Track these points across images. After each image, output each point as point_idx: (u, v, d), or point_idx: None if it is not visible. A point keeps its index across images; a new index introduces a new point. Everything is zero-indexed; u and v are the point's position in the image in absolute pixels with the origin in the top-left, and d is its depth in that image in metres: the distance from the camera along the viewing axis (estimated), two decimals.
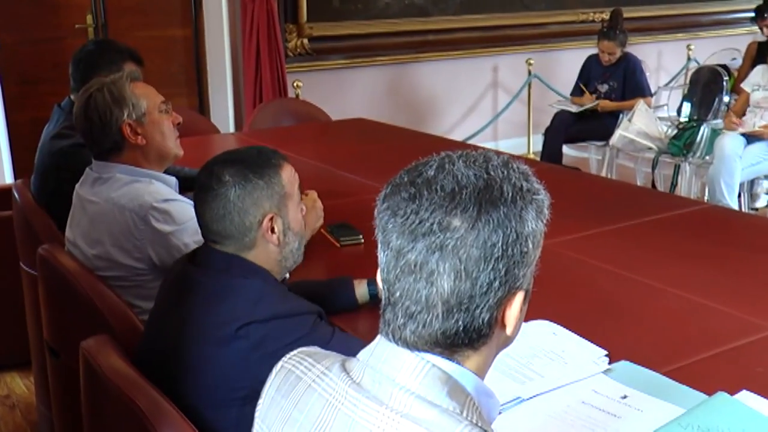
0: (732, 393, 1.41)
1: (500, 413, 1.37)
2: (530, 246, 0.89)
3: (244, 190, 1.52)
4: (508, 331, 0.93)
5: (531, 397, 1.45)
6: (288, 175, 1.60)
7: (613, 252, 2.26)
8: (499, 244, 0.86)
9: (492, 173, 0.90)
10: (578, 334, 1.66)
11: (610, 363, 1.57)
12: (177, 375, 1.50)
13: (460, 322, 0.88)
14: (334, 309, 1.84)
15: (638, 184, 4.96)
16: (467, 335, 0.89)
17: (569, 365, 1.55)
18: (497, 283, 0.87)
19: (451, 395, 0.88)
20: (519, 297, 0.91)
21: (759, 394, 1.42)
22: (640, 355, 1.60)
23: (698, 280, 2.04)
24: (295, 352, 1.06)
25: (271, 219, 1.55)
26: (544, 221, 0.92)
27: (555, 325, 1.70)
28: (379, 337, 0.95)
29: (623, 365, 1.56)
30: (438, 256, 0.86)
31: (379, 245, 0.91)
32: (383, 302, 0.93)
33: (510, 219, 0.87)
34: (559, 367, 1.55)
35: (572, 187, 3.07)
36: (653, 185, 4.85)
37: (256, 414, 1.05)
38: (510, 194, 0.88)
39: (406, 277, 0.87)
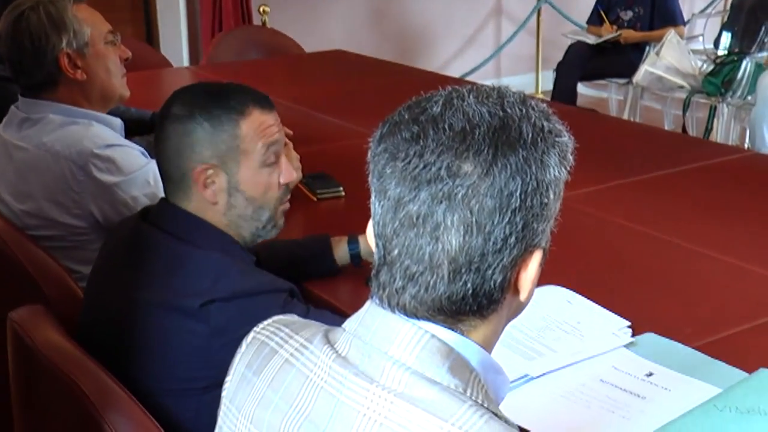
0: None
1: None
2: (551, 196, 0.89)
3: (184, 128, 1.51)
4: (522, 296, 0.93)
5: (541, 375, 1.46)
6: (252, 127, 1.54)
7: (636, 207, 2.27)
8: (517, 193, 0.86)
9: (509, 110, 0.89)
10: (596, 303, 1.68)
11: (633, 335, 1.59)
12: (126, 354, 1.50)
13: (469, 285, 0.87)
14: (310, 274, 1.85)
15: (666, 128, 4.97)
16: (476, 301, 0.89)
17: (586, 338, 1.57)
18: (513, 239, 0.87)
19: (453, 371, 0.88)
20: (537, 257, 0.90)
21: None
22: (668, 326, 1.62)
23: (737, 239, 2.06)
24: (269, 321, 1.06)
25: (208, 170, 1.51)
26: (568, 168, 0.92)
27: (570, 292, 1.71)
28: (368, 303, 0.94)
29: (649, 338, 1.58)
30: (445, 207, 0.85)
31: (374, 194, 0.91)
32: (377, 262, 0.93)
33: (530, 164, 0.86)
34: (574, 341, 1.56)
35: (588, 133, 3.05)
36: (684, 130, 4.87)
37: (223, 393, 1.05)
38: (530, 135, 0.87)
39: (407, 231, 0.87)
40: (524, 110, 0.90)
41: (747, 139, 4.62)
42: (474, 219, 0.85)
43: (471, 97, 0.90)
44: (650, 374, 1.47)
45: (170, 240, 1.51)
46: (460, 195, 0.85)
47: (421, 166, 0.86)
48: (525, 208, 0.87)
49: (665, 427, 1.29)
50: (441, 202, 0.85)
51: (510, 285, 0.91)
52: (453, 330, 0.91)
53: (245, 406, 0.99)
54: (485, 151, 0.85)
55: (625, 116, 5.12)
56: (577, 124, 3.19)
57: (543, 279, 1.69)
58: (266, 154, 1.55)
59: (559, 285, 1.73)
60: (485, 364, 0.93)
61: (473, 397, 0.88)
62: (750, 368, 1.45)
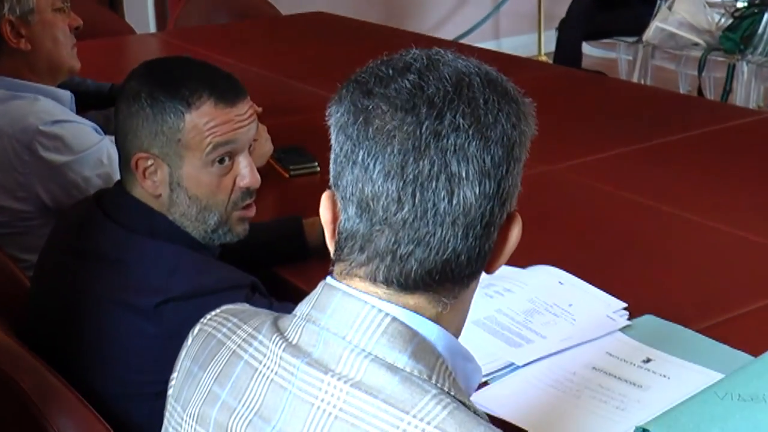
0: None
1: (488, 383, 1.41)
2: (526, 155, 0.94)
3: (129, 110, 1.51)
4: (496, 266, 0.96)
5: (528, 363, 1.47)
6: (201, 123, 1.49)
7: (640, 178, 2.27)
8: (518, 143, 0.91)
9: (487, 68, 0.94)
10: (591, 283, 1.68)
11: (630, 318, 1.59)
12: (75, 352, 1.50)
13: (477, 242, 0.90)
14: (281, 258, 1.86)
15: (681, 91, 4.97)
16: (477, 262, 0.92)
17: (578, 322, 1.58)
18: (511, 190, 0.91)
19: (417, 356, 0.89)
20: (518, 220, 0.94)
21: None
22: (669, 307, 1.62)
23: (749, 210, 2.06)
24: (217, 311, 1.07)
25: (146, 160, 1.50)
26: (534, 130, 0.96)
27: (561, 271, 1.71)
28: (322, 284, 0.95)
29: (647, 321, 1.59)
30: (459, 158, 0.88)
31: (361, 155, 0.89)
32: (359, 232, 0.91)
33: (520, 117, 0.92)
34: (565, 325, 1.57)
35: (594, 97, 3.08)
36: (700, 92, 4.87)
37: (169, 392, 1.06)
38: (512, 91, 0.93)
39: (418, 188, 0.88)
40: (494, 69, 0.95)
41: None
42: (487, 169, 0.89)
43: (447, 53, 0.94)
44: (648, 360, 1.48)
45: (122, 230, 1.51)
46: (474, 144, 0.88)
47: (434, 115, 0.88)
48: (520, 159, 0.92)
49: (659, 417, 1.29)
50: (455, 152, 0.88)
51: (489, 251, 0.93)
52: (419, 314, 0.91)
53: (191, 404, 1.00)
54: (491, 99, 0.90)
55: (635, 78, 5.11)
56: (581, 88, 3.23)
57: (531, 258, 1.75)
58: (213, 153, 1.51)
59: (549, 264, 1.73)
60: (453, 350, 0.94)
61: (439, 384, 0.89)
62: (758, 352, 1.45)
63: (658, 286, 1.74)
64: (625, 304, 1.62)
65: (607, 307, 1.62)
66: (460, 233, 0.89)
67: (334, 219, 0.95)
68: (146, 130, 1.49)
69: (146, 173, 1.51)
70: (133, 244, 1.48)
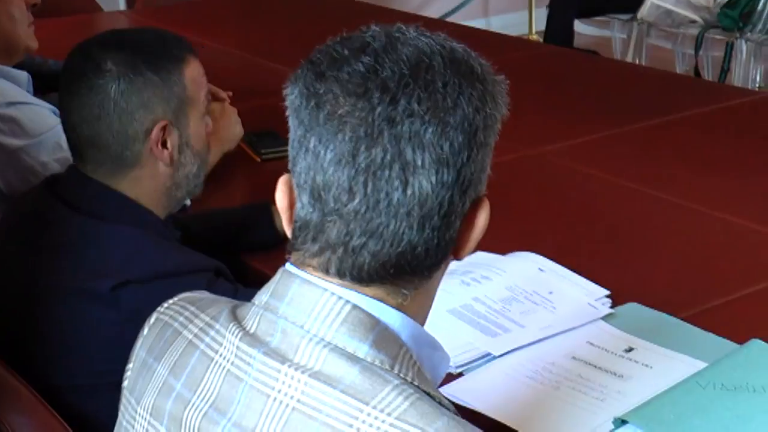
0: None
1: (463, 375, 1.42)
2: (496, 135, 0.94)
3: (132, 86, 1.51)
4: (464, 254, 0.96)
5: (505, 353, 1.48)
6: (193, 75, 1.58)
7: (628, 161, 2.29)
8: (481, 127, 0.90)
9: (453, 45, 0.93)
10: (573, 270, 1.69)
11: (613, 306, 1.60)
12: (30, 345, 1.50)
13: (435, 233, 0.90)
14: (249, 245, 1.87)
15: (678, 71, 4.98)
16: (436, 254, 0.92)
17: (558, 311, 1.59)
18: (475, 178, 0.91)
19: (379, 345, 0.89)
20: (486, 205, 0.95)
21: None
22: (654, 295, 1.63)
23: (740, 195, 2.08)
24: (175, 299, 1.07)
25: (164, 129, 1.54)
26: (506, 111, 0.96)
27: (542, 258, 1.72)
28: (281, 270, 0.95)
29: (630, 309, 1.60)
30: (414, 145, 0.87)
31: (313, 142, 0.90)
32: (312, 222, 0.92)
33: (486, 99, 0.91)
34: (545, 314, 1.58)
35: (584, 77, 3.09)
36: (697, 72, 4.88)
37: (124, 384, 1.06)
38: (480, 70, 0.93)
39: (370, 178, 0.88)
40: (461, 46, 0.94)
41: None
42: (445, 156, 0.88)
43: (410, 30, 0.93)
44: (630, 350, 1.49)
45: (77, 215, 1.51)
46: (430, 131, 0.88)
47: (387, 101, 0.87)
48: (485, 145, 0.91)
49: (639, 408, 1.30)
50: (410, 140, 0.87)
51: (455, 238, 0.93)
52: (379, 301, 0.92)
53: (145, 396, 1.00)
54: (451, 81, 0.89)
55: (629, 58, 5.12)
56: (573, 68, 3.24)
57: (510, 244, 1.76)
58: (206, 102, 1.62)
59: (530, 251, 1.74)
60: (418, 338, 0.95)
61: (401, 375, 0.89)
62: (744, 340, 1.46)
63: (643, 272, 1.76)
64: (607, 292, 1.64)
65: (589, 295, 1.63)
66: (415, 225, 0.89)
67: (291, 205, 0.95)
68: (158, 97, 1.53)
69: (167, 143, 1.55)
70: (90, 229, 1.48)
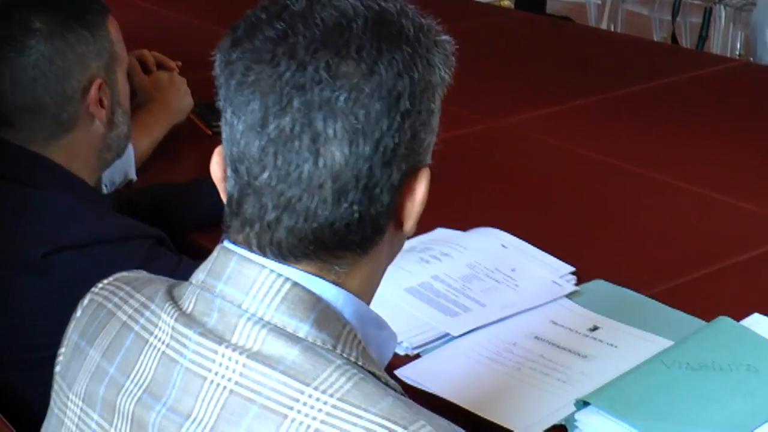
0: (739, 318, 1.47)
1: (420, 355, 1.43)
2: (437, 102, 0.93)
3: (65, 43, 1.52)
4: (408, 227, 0.95)
5: (465, 334, 1.48)
6: (115, 29, 1.61)
7: (599, 132, 2.29)
8: (406, 94, 0.89)
9: (385, 6, 0.92)
10: (537, 246, 1.70)
11: (578, 283, 1.62)
12: None
13: (355, 207, 0.89)
14: (199, 221, 1.86)
15: (655, 38, 4.99)
16: (362, 229, 0.91)
17: (521, 288, 1.59)
18: (402, 149, 0.90)
19: (320, 324, 0.89)
20: (426, 176, 0.93)
21: None
22: (621, 271, 1.65)
23: (718, 167, 2.10)
24: (110, 279, 1.06)
25: (100, 86, 1.56)
26: (451, 71, 0.95)
27: (505, 234, 1.73)
28: (218, 247, 0.95)
29: (596, 286, 1.61)
30: (325, 114, 0.87)
31: (229, 110, 0.90)
32: (235, 195, 0.92)
33: (416, 62, 0.90)
34: (507, 292, 1.58)
35: (559, 45, 3.08)
36: (674, 39, 4.90)
37: (56, 369, 1.05)
38: (412, 31, 0.91)
39: (280, 149, 0.88)
40: (399, 5, 0.93)
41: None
42: (360, 126, 0.87)
43: None
44: (595, 328, 1.50)
45: (10, 186, 1.50)
46: (342, 98, 0.87)
47: (294, 67, 0.87)
48: (414, 113, 0.90)
49: (601, 389, 1.31)
50: (320, 108, 0.87)
51: (394, 212, 0.93)
52: (322, 278, 0.92)
53: (77, 381, 0.99)
54: (368, 46, 0.88)
55: (604, 24, 5.13)
56: (543, 35, 3.24)
57: (471, 219, 1.76)
58: (128, 59, 1.66)
59: (493, 226, 1.75)
60: (363, 317, 0.95)
61: (345, 355, 0.89)
62: (712, 317, 1.47)
63: (610, 248, 1.77)
64: (572, 269, 1.65)
65: (554, 272, 1.64)
66: (329, 198, 0.89)
67: (225, 177, 0.95)
68: (91, 53, 1.55)
69: (103, 102, 1.57)
70: (20, 198, 1.48)
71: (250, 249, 0.91)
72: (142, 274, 1.07)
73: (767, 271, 1.70)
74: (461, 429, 0.87)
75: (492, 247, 1.69)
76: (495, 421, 1.30)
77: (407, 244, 1.66)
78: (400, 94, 0.88)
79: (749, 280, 1.67)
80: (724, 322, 1.45)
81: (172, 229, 1.76)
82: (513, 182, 2.03)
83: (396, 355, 1.42)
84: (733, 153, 2.17)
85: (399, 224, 0.94)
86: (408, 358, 1.43)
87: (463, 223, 1.76)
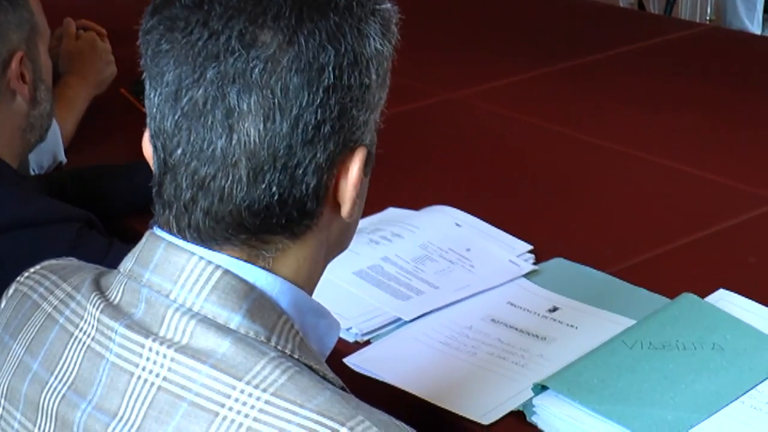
0: (705, 294, 1.48)
1: (370, 342, 1.43)
2: (373, 77, 0.91)
3: None
4: (345, 211, 0.94)
5: (417, 318, 1.48)
6: (36, 1, 1.61)
7: (557, 103, 2.30)
8: (330, 67, 0.87)
9: None
10: (493, 224, 1.70)
11: (536, 262, 1.62)
12: None
13: (275, 189, 0.88)
14: (134, 206, 1.84)
15: (621, 4, 5.00)
16: (284, 211, 0.90)
17: (476, 269, 1.59)
18: (328, 127, 0.88)
19: (253, 315, 0.89)
20: (359, 156, 0.92)
21: (741, 294, 1.48)
22: (582, 249, 1.65)
23: (683, 138, 2.11)
24: (37, 267, 1.05)
25: (21, 60, 1.55)
26: (393, 42, 0.94)
27: (459, 212, 1.73)
28: (147, 233, 0.94)
29: (556, 264, 1.62)
30: (240, 87, 0.86)
31: (148, 81, 0.90)
32: (157, 172, 0.92)
33: (344, 32, 0.88)
34: (462, 273, 1.58)
35: (517, 10, 3.07)
36: (641, 5, 4.91)
37: None
38: (343, 1, 0.90)
39: (193, 124, 0.87)
40: None
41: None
42: (276, 101, 0.86)
43: None
44: (554, 309, 1.51)
45: None
46: (257, 70, 0.86)
47: (206, 36, 0.86)
48: (341, 87, 0.88)
49: (559, 373, 1.31)
50: (234, 81, 0.86)
51: (328, 195, 0.92)
52: (254, 264, 0.91)
53: (0, 378, 0.99)
54: (287, 14, 0.87)
55: None
56: (501, 1, 3.19)
57: (427, 198, 1.76)
58: (48, 33, 1.67)
59: (444, 204, 1.75)
60: (302, 305, 0.94)
61: (279, 347, 0.88)
62: (677, 294, 1.48)
63: (570, 225, 1.78)
64: (530, 247, 1.65)
65: (511, 251, 1.64)
66: (245, 178, 0.88)
67: None
68: (12, 24, 1.54)
69: (25, 77, 1.56)
70: None
71: (171, 233, 0.91)
72: (72, 261, 1.06)
73: (734, 244, 1.72)
74: (403, 424, 0.86)
75: (445, 226, 1.69)
76: (449, 409, 1.31)
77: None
78: (322, 66, 0.87)
79: (716, 255, 1.69)
80: (688, 298, 1.46)
81: (108, 213, 1.75)
82: (468, 158, 2.03)
83: (345, 342, 1.42)
84: (700, 123, 2.19)
85: (337, 206, 0.93)
86: (357, 345, 1.43)
87: (416, 201, 1.76)
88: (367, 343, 1.44)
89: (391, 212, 1.73)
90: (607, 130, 2.13)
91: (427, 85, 2.27)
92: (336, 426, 0.82)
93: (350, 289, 1.52)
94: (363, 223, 1.68)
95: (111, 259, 1.42)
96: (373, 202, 1.71)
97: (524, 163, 2.02)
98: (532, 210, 1.83)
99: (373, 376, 1.37)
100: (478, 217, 1.72)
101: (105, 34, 2.18)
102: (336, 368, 1.27)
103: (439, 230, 1.68)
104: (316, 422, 0.82)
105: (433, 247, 1.64)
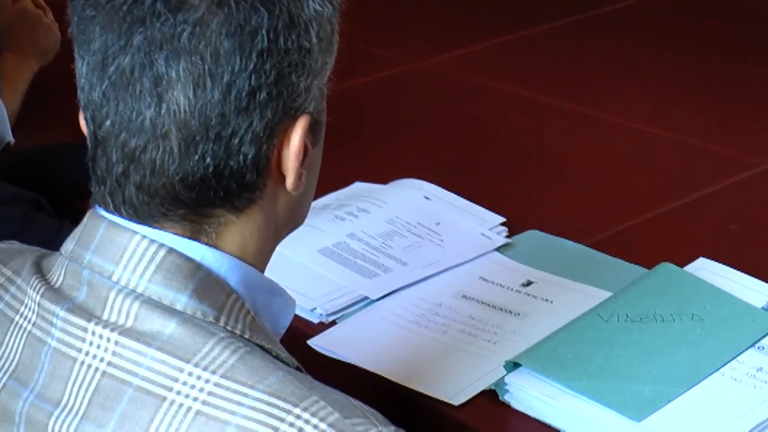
0: (685, 264, 1.48)
1: (336, 322, 1.43)
2: (313, 39, 0.91)
3: None
4: (289, 183, 0.93)
5: (385, 296, 1.48)
6: None
7: (529, 68, 2.30)
8: (264, 30, 0.87)
9: None
10: (463, 196, 1.70)
11: (510, 235, 1.62)
12: None
13: (209, 160, 0.88)
14: (81, 181, 1.83)
15: None
16: (222, 184, 0.89)
17: (447, 243, 1.59)
18: (264, 94, 0.88)
19: (200, 295, 0.89)
20: (302, 125, 0.91)
21: (722, 262, 1.49)
22: (556, 220, 1.66)
23: (658, 102, 2.11)
24: None
25: None
26: (335, 3, 0.94)
27: (428, 184, 1.73)
28: (89, 213, 0.94)
29: (530, 237, 1.62)
30: (167, 54, 0.85)
31: (75, 52, 0.90)
32: (90, 146, 0.92)
33: None
34: (431, 248, 1.58)
35: None
36: None
37: None
38: None
39: (120, 93, 0.87)
40: None
41: None
42: (206, 67, 0.86)
43: None
44: (528, 283, 1.51)
45: None
46: (185, 35, 0.85)
47: (132, 0, 0.86)
48: (277, 51, 0.88)
49: (532, 349, 1.32)
50: (161, 47, 0.85)
51: (270, 166, 0.91)
52: (198, 241, 0.91)
53: None
54: None
55: None
56: None
57: (395, 171, 1.75)
58: None
59: (414, 177, 1.74)
60: (252, 283, 0.94)
61: (229, 327, 0.89)
62: (653, 263, 1.49)
63: (545, 196, 1.78)
64: (503, 219, 1.65)
65: (483, 224, 1.64)
66: (176, 149, 0.87)
67: None
68: None
69: None
70: None
71: (108, 210, 0.91)
72: (14, 245, 1.06)
73: (716, 211, 1.73)
74: (361, 403, 0.86)
75: (414, 200, 1.69)
76: (418, 390, 1.31)
77: (320, 201, 1.66)
78: (255, 29, 0.86)
79: (697, 223, 1.70)
80: (666, 268, 1.46)
81: (59, 194, 1.74)
82: (438, 128, 2.03)
83: (309, 323, 1.42)
84: (679, 87, 2.19)
85: (282, 178, 0.93)
86: (322, 327, 1.43)
87: (384, 175, 1.76)
88: (333, 323, 1.43)
89: (358, 187, 1.73)
90: (583, 96, 2.13)
91: (395, 53, 2.26)
92: (289, 407, 0.82)
93: (314, 267, 1.52)
94: (328, 198, 1.68)
95: (60, 242, 1.42)
96: (339, 176, 1.73)
97: (497, 133, 2.02)
98: (505, 181, 1.83)
99: (339, 358, 1.36)
100: (449, 190, 1.72)
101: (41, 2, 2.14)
102: (300, 351, 1.27)
103: (407, 204, 1.68)
104: (268, 404, 0.82)
105: (401, 222, 1.63)
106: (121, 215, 0.90)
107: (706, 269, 1.48)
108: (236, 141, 0.88)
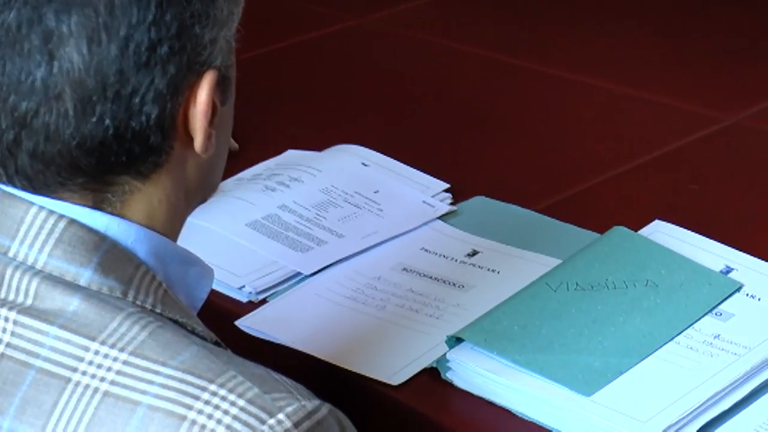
0: (641, 227, 1.50)
1: (266, 301, 1.44)
2: None
3: None
4: (197, 145, 0.93)
5: (319, 271, 1.49)
6: None
7: (480, 24, 2.28)
8: None
9: None
10: (405, 162, 1.71)
11: (454, 202, 1.63)
12: None
13: (108, 121, 0.88)
14: None
15: None
16: (124, 147, 0.89)
17: (386, 213, 1.60)
18: (165, 48, 0.88)
19: (106, 268, 0.89)
20: (208, 80, 0.92)
21: (680, 225, 1.51)
22: (505, 184, 1.67)
23: (616, 57, 2.12)
24: None
25: None
26: None
27: (366, 150, 1.73)
28: None
29: (476, 204, 1.63)
30: (57, 7, 0.85)
31: None
32: None
33: None
34: (370, 219, 1.59)
35: None
36: None
37: None
38: None
39: (7, 52, 0.87)
40: None
41: None
42: (101, 20, 0.86)
43: None
44: (474, 253, 1.52)
45: None
46: None
47: None
48: (178, 1, 0.88)
49: (476, 323, 1.32)
50: (51, 0, 0.85)
51: (176, 127, 0.92)
52: (102, 211, 0.91)
53: None
54: None
55: None
56: None
57: (332, 137, 1.76)
58: None
59: (351, 143, 1.75)
60: (164, 254, 0.94)
61: (138, 302, 0.89)
62: (605, 227, 1.50)
63: (492, 159, 1.78)
64: (447, 185, 1.66)
65: (425, 191, 1.65)
66: (71, 111, 0.87)
67: None
68: None
69: None
70: None
71: (1, 181, 0.91)
72: None
73: (675, 170, 1.74)
74: (283, 377, 0.87)
75: (351, 167, 1.70)
76: (355, 371, 1.32)
77: (250, 171, 1.66)
78: None
79: (654, 184, 1.71)
80: (619, 232, 1.47)
81: None
82: (378, 90, 2.02)
83: (237, 302, 1.43)
84: (637, 39, 2.18)
85: (190, 139, 0.93)
86: (252, 306, 1.43)
87: (320, 142, 1.76)
88: (263, 302, 1.44)
89: (291, 155, 1.73)
90: (534, 51, 2.12)
91: (331, 9, 2.25)
92: (204, 383, 0.83)
93: (243, 242, 1.52)
94: (258, 168, 1.69)
95: None
96: (270, 144, 1.73)
97: (440, 93, 2.02)
98: (449, 144, 1.83)
99: (270, 339, 1.37)
100: (389, 156, 1.72)
101: None
102: (228, 333, 1.28)
103: (343, 172, 1.68)
104: (181, 381, 0.83)
105: (336, 191, 1.64)
106: (15, 186, 0.90)
107: (661, 232, 1.49)
108: (137, 100, 0.88)
